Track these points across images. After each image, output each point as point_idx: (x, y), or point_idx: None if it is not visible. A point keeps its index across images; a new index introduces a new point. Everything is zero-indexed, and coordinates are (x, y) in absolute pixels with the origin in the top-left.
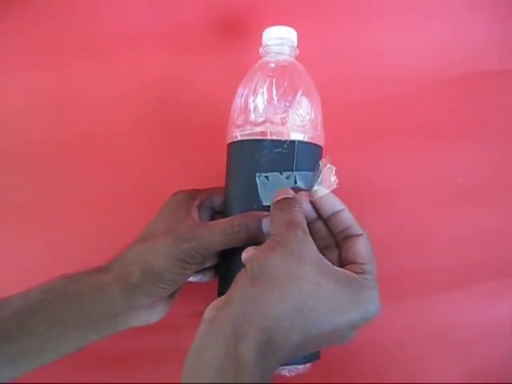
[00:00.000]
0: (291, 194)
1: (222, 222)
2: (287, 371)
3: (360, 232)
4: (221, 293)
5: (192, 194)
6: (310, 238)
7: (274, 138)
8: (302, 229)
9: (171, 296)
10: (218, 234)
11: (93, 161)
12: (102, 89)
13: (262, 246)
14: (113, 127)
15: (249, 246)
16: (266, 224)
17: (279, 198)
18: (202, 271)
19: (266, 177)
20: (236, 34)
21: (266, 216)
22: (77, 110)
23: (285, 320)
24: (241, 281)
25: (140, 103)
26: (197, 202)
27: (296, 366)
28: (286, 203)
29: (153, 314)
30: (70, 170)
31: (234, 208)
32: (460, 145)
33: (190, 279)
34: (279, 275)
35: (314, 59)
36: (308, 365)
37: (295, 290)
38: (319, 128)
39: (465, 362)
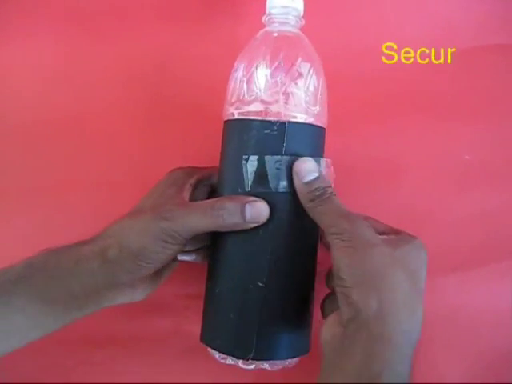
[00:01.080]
0: (317, 171)
1: (204, 204)
2: (268, 365)
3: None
4: (208, 277)
5: (189, 172)
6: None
7: (264, 117)
8: (355, 215)
9: (158, 275)
10: (199, 215)
11: (87, 140)
12: (93, 65)
13: (339, 253)
14: (105, 104)
15: (232, 231)
16: (249, 211)
17: (308, 180)
18: (195, 251)
19: (252, 160)
20: (231, 3)
21: (250, 202)
22: (69, 89)
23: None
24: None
25: (133, 79)
26: (192, 180)
27: (281, 362)
28: (323, 193)
29: (136, 292)
30: (65, 150)
31: (222, 190)
32: (467, 121)
33: (184, 258)
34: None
35: (319, 30)
36: (294, 360)
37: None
38: (318, 108)
39: (474, 345)
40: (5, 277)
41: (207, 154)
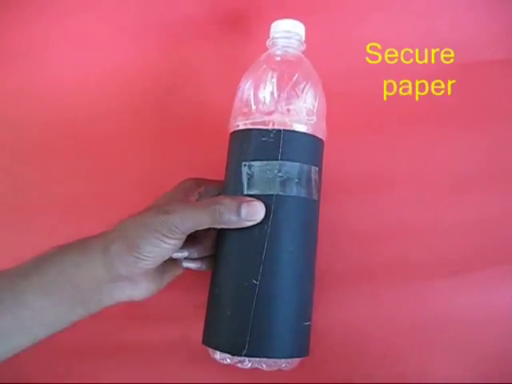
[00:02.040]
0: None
1: (204, 200)
2: (265, 365)
3: None
4: (211, 280)
5: (199, 182)
6: None
7: (262, 127)
8: None
9: (158, 276)
10: (197, 209)
11: (96, 154)
12: (103, 82)
13: None
14: (115, 120)
15: (231, 231)
16: (245, 209)
17: None
18: (201, 259)
19: (251, 166)
20: (240, 26)
21: (247, 201)
22: (80, 104)
23: None
24: None
25: (142, 97)
26: (200, 189)
27: (276, 360)
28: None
29: (136, 290)
30: (74, 163)
31: (224, 194)
32: (463, 133)
33: (189, 266)
34: None
35: (318, 52)
36: (295, 360)
37: None
38: (315, 119)
39: (467, 351)
40: (16, 273)
41: (214, 166)
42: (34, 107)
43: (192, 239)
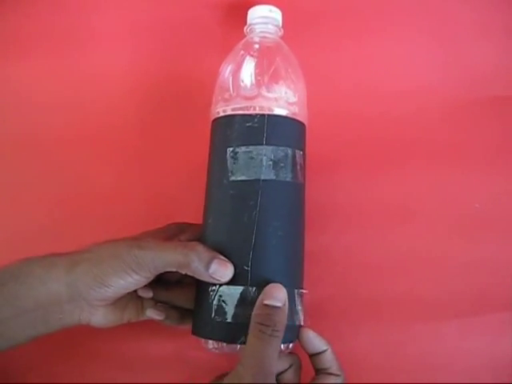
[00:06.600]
0: (281, 301)
1: (177, 242)
2: None
3: (338, 373)
4: None
5: (183, 228)
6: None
7: (245, 112)
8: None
9: (118, 309)
10: (170, 249)
11: (95, 154)
12: (102, 84)
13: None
14: (114, 121)
15: (194, 278)
16: (215, 266)
17: (269, 304)
18: (167, 310)
19: (236, 151)
20: (239, 24)
21: (221, 260)
22: (79, 104)
23: None
24: None
25: (142, 98)
26: (182, 237)
27: None
28: (268, 329)
29: (94, 315)
30: (72, 161)
31: (209, 181)
32: (479, 170)
33: (152, 315)
34: None
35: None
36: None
37: None
38: (297, 104)
39: None
40: None
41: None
42: (34, 107)
43: (163, 284)
